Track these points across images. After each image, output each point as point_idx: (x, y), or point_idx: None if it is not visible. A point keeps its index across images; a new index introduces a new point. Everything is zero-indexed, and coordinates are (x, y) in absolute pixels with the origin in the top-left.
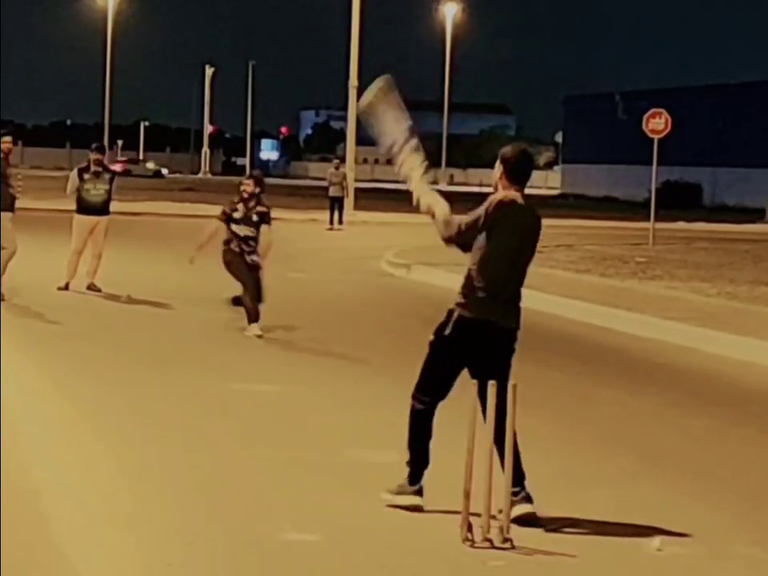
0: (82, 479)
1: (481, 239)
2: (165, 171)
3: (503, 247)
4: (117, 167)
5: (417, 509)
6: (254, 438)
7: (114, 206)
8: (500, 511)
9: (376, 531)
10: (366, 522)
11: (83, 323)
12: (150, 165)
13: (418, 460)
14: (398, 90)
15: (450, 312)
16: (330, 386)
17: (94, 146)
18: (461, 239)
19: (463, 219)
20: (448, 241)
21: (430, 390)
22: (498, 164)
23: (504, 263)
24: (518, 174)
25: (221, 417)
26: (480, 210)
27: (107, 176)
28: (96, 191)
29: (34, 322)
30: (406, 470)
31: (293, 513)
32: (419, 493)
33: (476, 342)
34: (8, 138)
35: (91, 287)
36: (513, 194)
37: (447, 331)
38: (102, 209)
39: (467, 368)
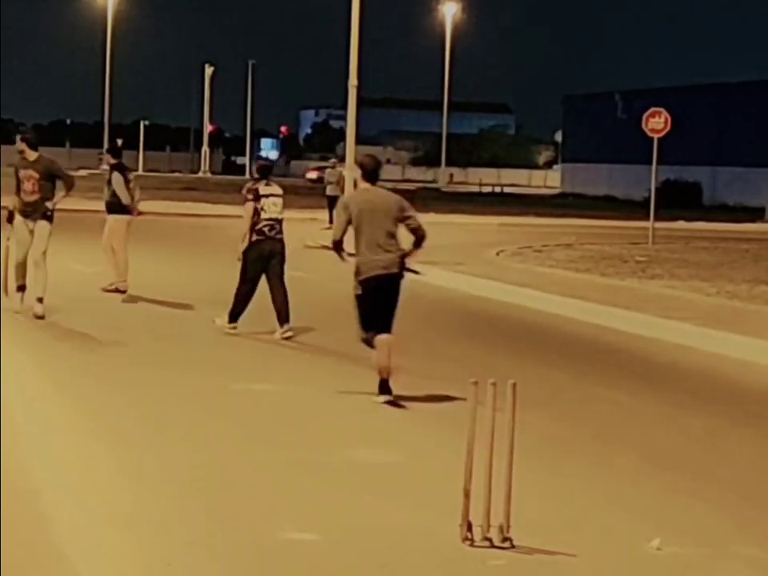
0: (82, 479)
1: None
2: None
3: (365, 224)
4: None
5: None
6: (254, 438)
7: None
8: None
9: (376, 531)
10: (366, 522)
11: (83, 323)
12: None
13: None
14: (399, 89)
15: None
16: (330, 385)
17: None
18: (342, 234)
19: (338, 221)
20: (337, 242)
21: (367, 326)
22: (356, 168)
23: (369, 235)
24: (371, 174)
25: (221, 417)
26: (340, 207)
27: (109, 176)
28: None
29: (34, 322)
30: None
31: (293, 513)
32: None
33: (375, 290)
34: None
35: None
36: (367, 186)
37: (358, 291)
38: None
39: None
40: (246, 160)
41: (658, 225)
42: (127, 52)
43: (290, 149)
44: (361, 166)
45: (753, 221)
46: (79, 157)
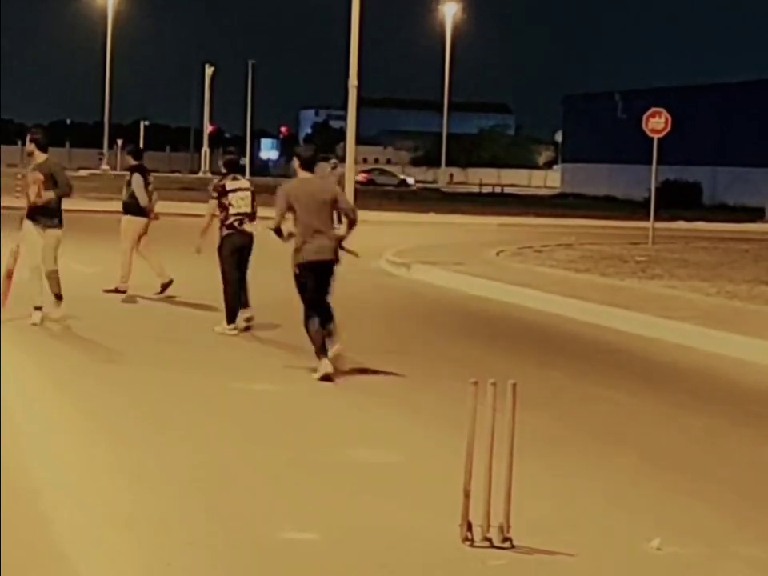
0: (82, 479)
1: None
2: (411, 180)
3: (303, 211)
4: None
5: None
6: (254, 438)
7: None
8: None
9: (376, 531)
10: (366, 522)
11: (83, 323)
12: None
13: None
14: (399, 89)
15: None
16: (330, 385)
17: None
18: (281, 220)
19: (278, 208)
20: (276, 229)
21: (310, 306)
22: (294, 158)
23: (307, 221)
24: (308, 163)
25: (221, 417)
26: (281, 195)
27: (129, 177)
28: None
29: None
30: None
31: (293, 513)
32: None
33: (310, 273)
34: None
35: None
36: (305, 175)
37: (296, 271)
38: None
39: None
40: (246, 160)
41: (658, 225)
42: (127, 52)
43: (290, 149)
44: (299, 156)
45: (753, 221)
46: (79, 157)
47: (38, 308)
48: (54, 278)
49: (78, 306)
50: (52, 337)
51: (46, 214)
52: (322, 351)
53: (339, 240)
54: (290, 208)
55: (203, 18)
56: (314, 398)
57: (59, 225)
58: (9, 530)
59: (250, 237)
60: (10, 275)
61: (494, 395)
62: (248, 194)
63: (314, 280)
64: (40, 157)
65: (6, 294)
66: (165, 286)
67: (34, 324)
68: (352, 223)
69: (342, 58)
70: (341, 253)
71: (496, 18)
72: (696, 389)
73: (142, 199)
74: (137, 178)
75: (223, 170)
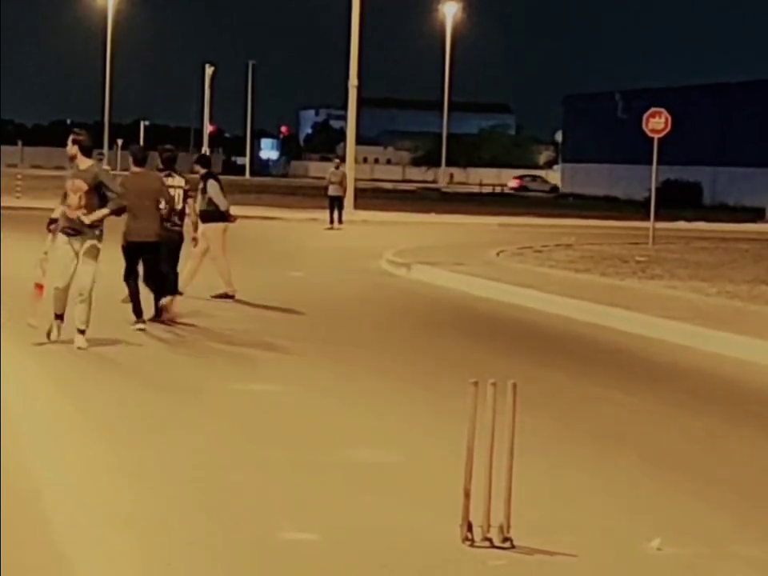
0: (82, 479)
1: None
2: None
3: (135, 199)
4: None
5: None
6: (254, 438)
7: None
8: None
9: (376, 531)
10: (366, 522)
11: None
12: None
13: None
14: (399, 89)
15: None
16: (330, 385)
17: (198, 155)
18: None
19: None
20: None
21: (128, 274)
22: (130, 156)
23: (137, 208)
24: (140, 161)
25: (221, 417)
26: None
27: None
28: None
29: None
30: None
31: (293, 513)
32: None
33: (134, 251)
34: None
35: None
36: (137, 170)
37: (124, 245)
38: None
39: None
40: (246, 160)
41: (659, 225)
42: (127, 52)
43: (291, 149)
44: (132, 154)
45: (753, 221)
46: None
47: (82, 331)
48: (86, 303)
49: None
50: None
51: (84, 228)
52: (135, 310)
53: (163, 220)
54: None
55: (203, 18)
56: (314, 398)
57: (100, 236)
58: (9, 530)
59: (178, 233)
60: (40, 288)
61: (494, 395)
62: (180, 191)
63: (138, 256)
64: (84, 162)
65: (34, 306)
66: (224, 296)
67: (80, 348)
68: (170, 210)
69: (342, 57)
70: None
71: (496, 18)
72: (696, 389)
73: (222, 204)
74: (213, 184)
75: (161, 166)
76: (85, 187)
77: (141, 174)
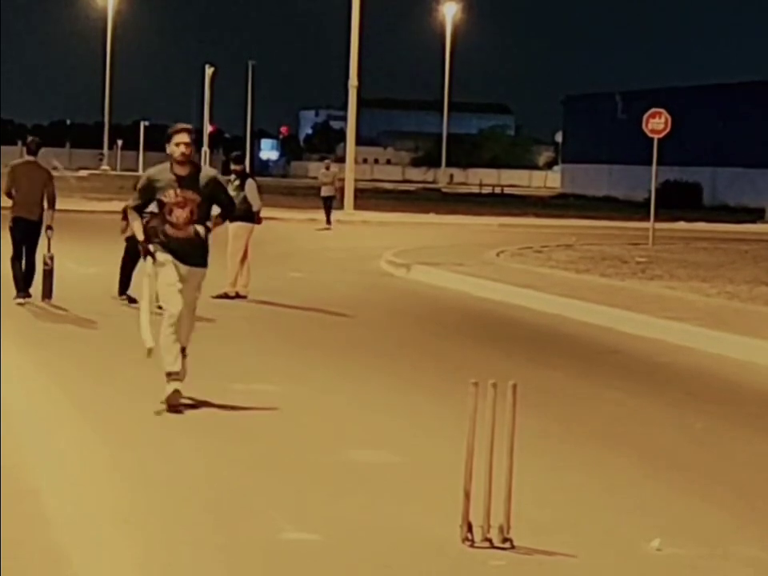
0: (82, 479)
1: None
2: None
3: (24, 183)
4: None
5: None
6: (254, 438)
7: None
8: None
9: (376, 531)
10: (366, 522)
11: (83, 323)
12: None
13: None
14: (399, 89)
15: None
16: (330, 385)
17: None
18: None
19: (4, 182)
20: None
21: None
22: (25, 146)
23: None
24: (33, 150)
25: (221, 417)
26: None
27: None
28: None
29: (34, 322)
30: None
31: (293, 513)
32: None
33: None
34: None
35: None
36: (29, 158)
37: (10, 224)
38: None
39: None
40: (246, 160)
41: (659, 225)
42: (127, 52)
43: (290, 149)
44: (26, 144)
45: (753, 221)
46: (79, 157)
47: (172, 374)
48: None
49: (79, 306)
50: (53, 336)
51: (194, 245)
52: (16, 287)
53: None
54: (15, 181)
55: (203, 18)
56: (314, 398)
57: (206, 262)
58: (9, 530)
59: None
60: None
61: (494, 396)
62: None
63: (22, 231)
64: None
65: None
66: (236, 296)
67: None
68: (51, 201)
69: (342, 57)
70: None
71: (496, 18)
72: (696, 389)
73: (257, 204)
74: (251, 183)
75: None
76: (198, 199)
77: (31, 162)
